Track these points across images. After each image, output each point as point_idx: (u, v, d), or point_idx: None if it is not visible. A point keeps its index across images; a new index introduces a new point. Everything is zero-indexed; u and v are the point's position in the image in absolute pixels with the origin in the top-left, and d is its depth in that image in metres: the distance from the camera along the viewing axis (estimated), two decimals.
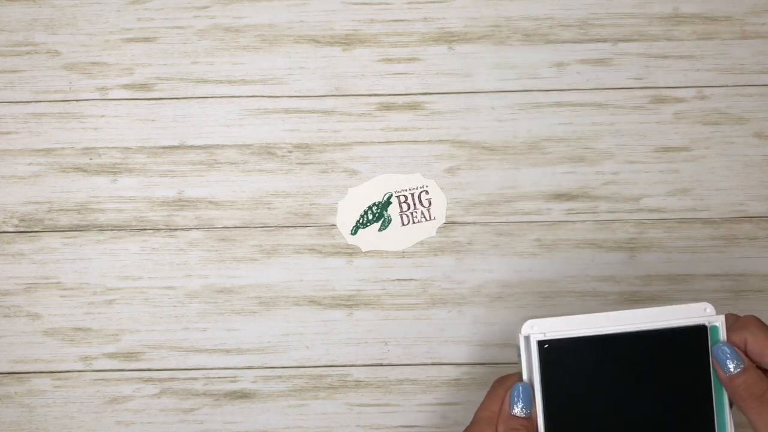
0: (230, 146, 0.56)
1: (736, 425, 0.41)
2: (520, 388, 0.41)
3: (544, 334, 0.40)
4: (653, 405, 0.40)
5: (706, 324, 0.40)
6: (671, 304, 0.41)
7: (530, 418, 0.40)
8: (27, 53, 0.56)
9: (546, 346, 0.40)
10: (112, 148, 0.56)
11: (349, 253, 0.56)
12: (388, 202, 0.55)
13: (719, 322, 0.40)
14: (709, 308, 0.40)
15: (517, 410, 0.40)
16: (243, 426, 0.55)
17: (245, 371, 0.56)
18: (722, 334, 0.40)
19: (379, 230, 0.55)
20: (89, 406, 0.55)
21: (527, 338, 0.40)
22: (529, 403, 0.40)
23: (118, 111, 0.56)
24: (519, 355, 0.41)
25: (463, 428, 0.42)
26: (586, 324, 0.40)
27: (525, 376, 0.41)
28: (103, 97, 0.56)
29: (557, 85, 0.56)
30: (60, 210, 0.56)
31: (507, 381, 0.42)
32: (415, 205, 0.55)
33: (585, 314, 0.40)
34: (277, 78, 0.56)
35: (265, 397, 0.55)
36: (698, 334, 0.40)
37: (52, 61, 0.56)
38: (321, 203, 0.56)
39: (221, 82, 0.56)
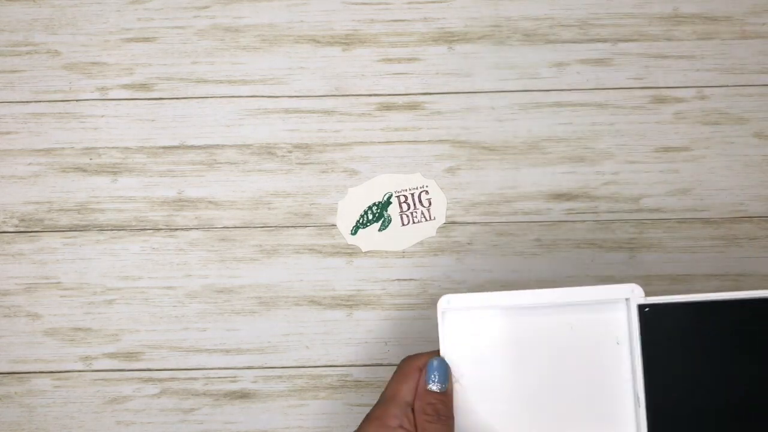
0: (230, 146, 0.56)
1: None
2: (435, 364, 0.40)
3: (645, 297, 0.40)
4: (756, 373, 0.40)
5: None
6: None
7: (446, 393, 0.40)
8: (27, 53, 0.56)
9: (647, 309, 0.40)
10: (112, 148, 0.56)
11: (349, 253, 0.56)
12: (388, 202, 0.55)
13: None
14: None
15: (433, 386, 0.40)
16: (243, 426, 0.55)
17: (245, 371, 0.56)
18: None
19: (379, 230, 0.55)
20: (89, 406, 0.55)
21: (444, 313, 0.41)
22: (445, 378, 0.40)
23: (118, 111, 0.56)
24: (438, 329, 0.41)
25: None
26: (494, 300, 0.41)
27: (442, 351, 0.41)
28: (103, 97, 0.56)
29: (557, 85, 0.56)
30: (60, 210, 0.56)
31: (416, 359, 0.42)
32: (415, 205, 0.55)
33: (495, 292, 0.41)
34: (277, 78, 0.56)
35: (265, 397, 0.55)
36: None
37: (52, 61, 0.56)
38: (321, 203, 0.56)
39: (221, 82, 0.56)
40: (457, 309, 0.41)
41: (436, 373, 0.40)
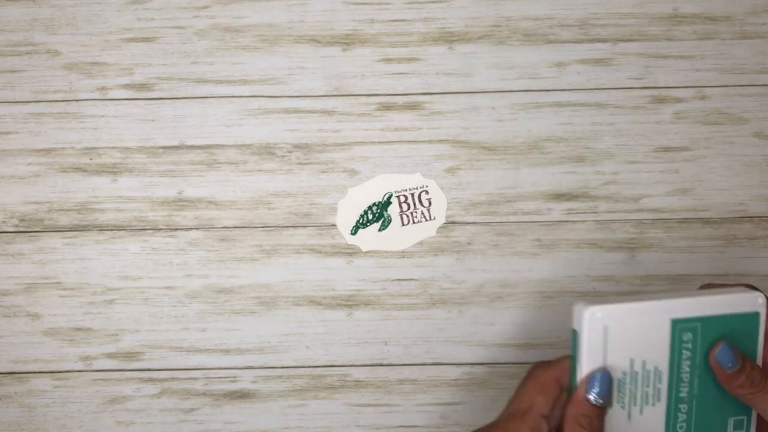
0: (230, 146, 0.56)
1: None
2: (600, 376, 0.38)
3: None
4: None
5: None
6: None
7: (604, 408, 0.38)
8: (27, 53, 0.56)
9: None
10: (112, 148, 0.56)
11: (349, 253, 0.56)
12: (388, 202, 0.55)
13: None
14: None
15: (594, 397, 0.38)
16: (243, 426, 0.55)
17: (245, 371, 0.56)
18: None
19: (379, 230, 0.55)
20: (89, 406, 0.55)
21: (591, 324, 0.38)
22: (607, 393, 0.38)
23: (118, 111, 0.56)
24: (578, 343, 0.39)
25: (480, 426, 0.40)
26: (638, 310, 0.39)
27: (592, 363, 0.39)
28: (103, 97, 0.56)
29: (557, 85, 0.56)
30: (60, 210, 0.56)
31: (553, 369, 0.40)
32: (415, 205, 0.55)
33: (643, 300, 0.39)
34: (277, 78, 0.56)
35: (265, 397, 0.55)
36: None
37: (52, 61, 0.56)
38: (321, 203, 0.56)
39: (221, 82, 0.56)
40: (601, 320, 0.38)
41: (599, 385, 0.38)
